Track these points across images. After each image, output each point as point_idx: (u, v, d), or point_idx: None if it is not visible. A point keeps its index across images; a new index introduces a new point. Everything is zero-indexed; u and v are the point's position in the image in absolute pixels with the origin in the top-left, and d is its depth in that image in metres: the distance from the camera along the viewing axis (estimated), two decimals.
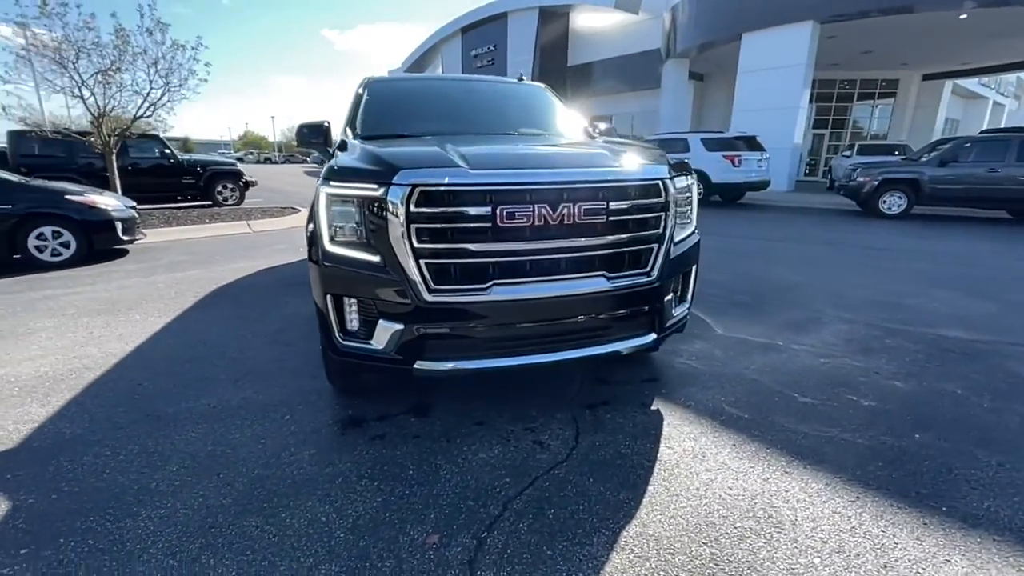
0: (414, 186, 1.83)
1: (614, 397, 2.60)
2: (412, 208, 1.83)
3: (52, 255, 5.54)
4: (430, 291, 1.90)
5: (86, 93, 8.05)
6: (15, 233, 5.36)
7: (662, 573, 1.52)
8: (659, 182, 2.12)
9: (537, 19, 27.31)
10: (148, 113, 8.67)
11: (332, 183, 2.01)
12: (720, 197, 12.70)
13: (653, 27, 22.20)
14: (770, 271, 5.37)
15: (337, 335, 2.08)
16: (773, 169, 12.40)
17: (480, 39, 32.27)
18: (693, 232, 2.49)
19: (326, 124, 3.04)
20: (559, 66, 28.20)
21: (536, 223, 1.90)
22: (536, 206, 1.89)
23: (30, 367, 2.96)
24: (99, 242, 5.83)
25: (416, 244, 1.87)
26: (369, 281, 1.94)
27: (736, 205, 12.47)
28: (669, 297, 2.32)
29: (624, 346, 2.25)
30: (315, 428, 2.31)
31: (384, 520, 1.73)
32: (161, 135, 10.71)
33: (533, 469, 2.02)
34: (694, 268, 2.52)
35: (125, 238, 6.05)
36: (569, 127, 3.48)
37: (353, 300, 2.01)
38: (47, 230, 5.49)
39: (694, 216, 2.51)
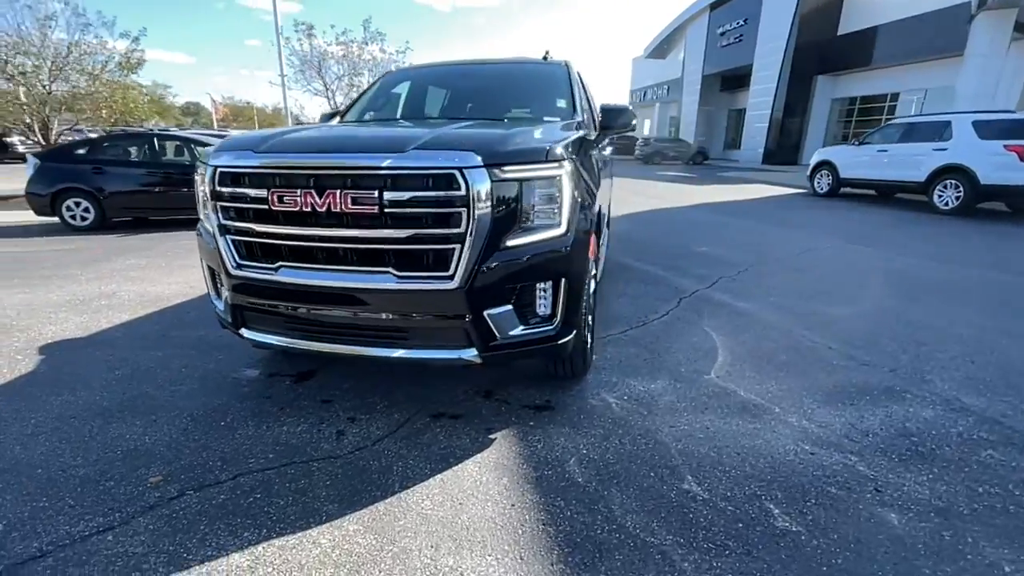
0: (215, 167, 2.01)
1: (473, 414, 2.32)
2: (215, 187, 2.02)
3: None
4: (235, 265, 2.07)
5: (332, 94, 10.53)
6: None
7: None
8: (453, 173, 1.78)
9: None
10: None
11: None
12: (1007, 206, 8.87)
13: None
14: None
15: (211, 294, 2.43)
16: None
17: (730, 14, 29.04)
18: (559, 236, 1.99)
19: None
20: (824, 37, 23.35)
21: (305, 208, 1.86)
22: (303, 191, 1.85)
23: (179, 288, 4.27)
24: None
25: (221, 220, 2.06)
26: (206, 250, 2.22)
27: None
28: (500, 310, 1.94)
29: (433, 356, 2.01)
30: (221, 370, 2.75)
31: (156, 452, 2.03)
32: None
33: (305, 453, 2.02)
34: (561, 281, 2.02)
35: None
36: (563, 107, 3.08)
37: (206, 265, 2.33)
38: None
39: (562, 217, 1.99)
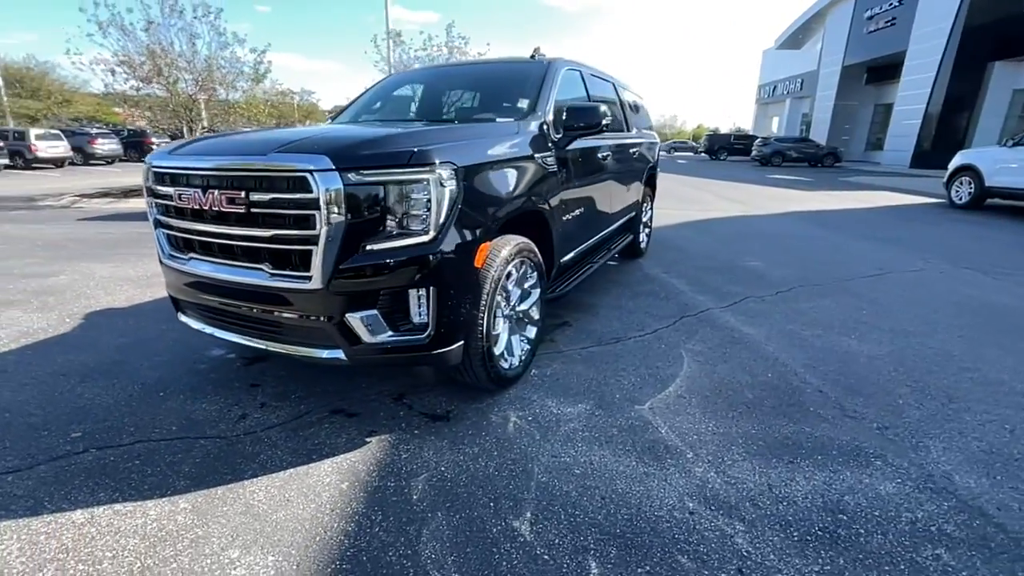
0: (149, 166, 2.26)
1: (370, 414, 2.33)
2: (148, 184, 2.28)
3: None
4: (166, 256, 2.32)
5: None
6: None
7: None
8: (305, 175, 1.80)
9: None
10: None
11: None
12: None
13: None
14: None
15: None
16: None
17: None
18: (427, 243, 1.91)
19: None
20: (1007, 14, 19.24)
21: (196, 206, 2.02)
22: (194, 190, 2.01)
23: None
24: None
25: (155, 215, 2.31)
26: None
27: None
28: (363, 314, 1.94)
29: (306, 353, 2.07)
30: (197, 347, 3.08)
31: (94, 412, 2.35)
32: None
33: (200, 430, 2.20)
34: (431, 290, 1.95)
35: None
36: (522, 107, 2.95)
37: None
38: None
39: (431, 224, 1.90)
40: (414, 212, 1.90)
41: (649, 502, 1.77)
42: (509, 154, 2.35)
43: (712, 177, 17.93)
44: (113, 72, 11.00)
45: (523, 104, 2.92)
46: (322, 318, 1.96)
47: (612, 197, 3.92)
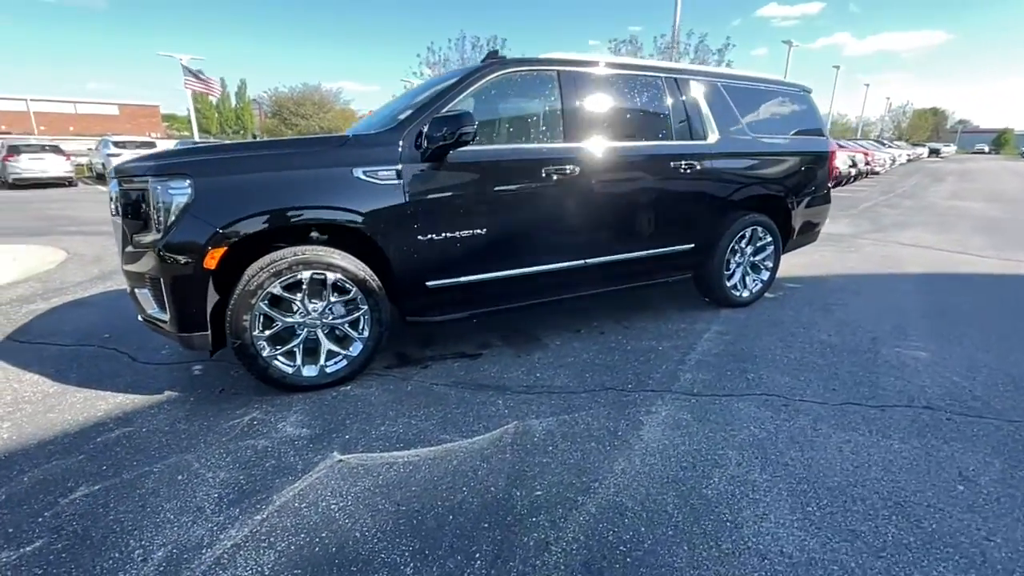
0: None
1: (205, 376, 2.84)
2: None
3: None
4: None
5: None
6: None
7: None
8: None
9: None
10: None
11: None
12: None
13: None
14: None
15: None
16: None
17: None
18: (159, 240, 2.26)
19: None
20: None
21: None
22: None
23: None
24: None
25: None
26: None
27: None
28: (143, 290, 2.48)
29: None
30: None
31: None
32: None
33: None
34: (160, 282, 2.30)
35: None
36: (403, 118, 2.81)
37: None
38: None
39: (162, 225, 2.24)
40: (153, 215, 2.29)
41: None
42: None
43: None
44: None
45: (404, 116, 2.78)
46: (129, 288, 2.58)
47: (580, 220, 3.14)
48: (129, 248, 2.43)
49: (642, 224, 3.40)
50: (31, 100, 42.64)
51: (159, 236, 2.28)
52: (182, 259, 2.27)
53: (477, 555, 1.58)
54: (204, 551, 1.59)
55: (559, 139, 3.05)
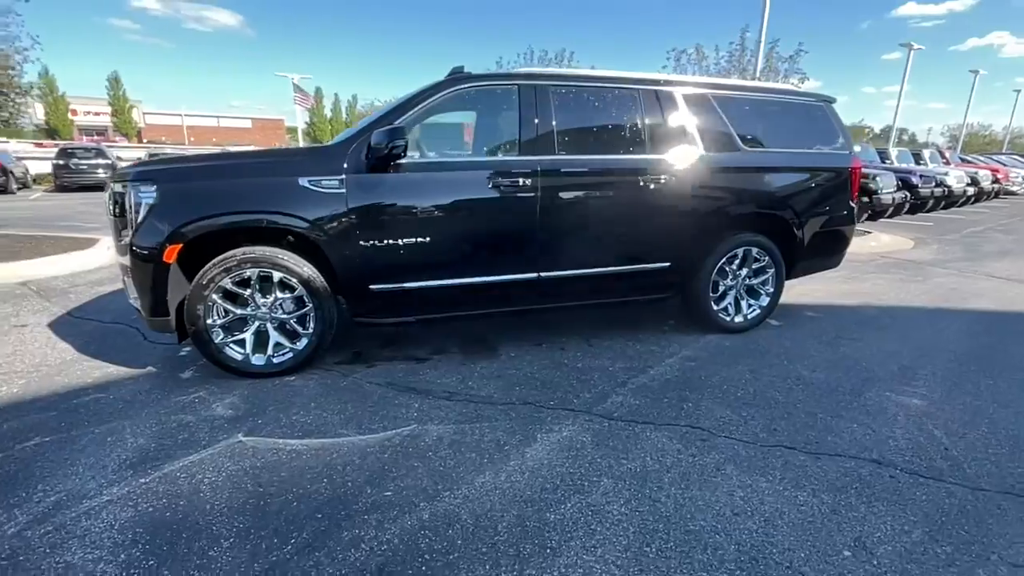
0: None
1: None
2: None
3: None
4: None
5: None
6: None
7: None
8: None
9: None
10: None
11: None
12: None
13: None
14: None
15: None
16: None
17: None
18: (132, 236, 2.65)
19: None
20: None
21: None
22: None
23: None
24: None
25: None
26: None
27: None
28: (129, 278, 2.92)
29: None
30: None
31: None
32: None
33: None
34: (130, 271, 2.69)
35: None
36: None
37: None
38: None
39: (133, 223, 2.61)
40: (130, 214, 2.68)
41: None
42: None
43: None
44: None
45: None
46: (122, 277, 3.03)
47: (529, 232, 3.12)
48: (118, 243, 2.87)
49: (605, 240, 3.30)
50: (185, 115, 50.14)
51: (132, 233, 2.68)
52: (147, 252, 2.65)
53: (292, 541, 1.69)
54: (82, 502, 1.86)
55: (514, 152, 3.09)
